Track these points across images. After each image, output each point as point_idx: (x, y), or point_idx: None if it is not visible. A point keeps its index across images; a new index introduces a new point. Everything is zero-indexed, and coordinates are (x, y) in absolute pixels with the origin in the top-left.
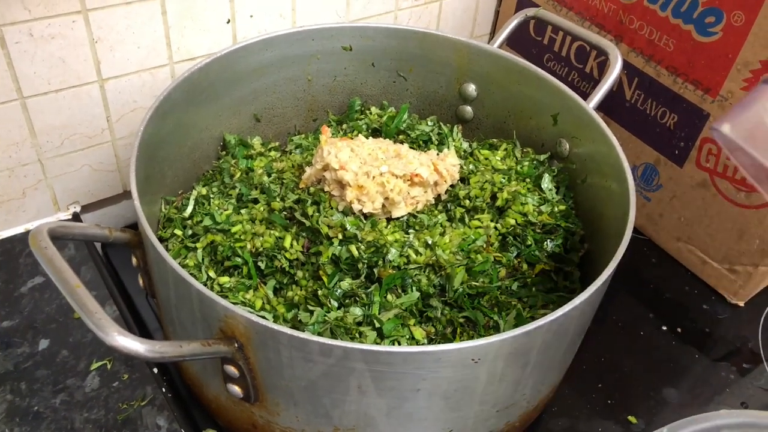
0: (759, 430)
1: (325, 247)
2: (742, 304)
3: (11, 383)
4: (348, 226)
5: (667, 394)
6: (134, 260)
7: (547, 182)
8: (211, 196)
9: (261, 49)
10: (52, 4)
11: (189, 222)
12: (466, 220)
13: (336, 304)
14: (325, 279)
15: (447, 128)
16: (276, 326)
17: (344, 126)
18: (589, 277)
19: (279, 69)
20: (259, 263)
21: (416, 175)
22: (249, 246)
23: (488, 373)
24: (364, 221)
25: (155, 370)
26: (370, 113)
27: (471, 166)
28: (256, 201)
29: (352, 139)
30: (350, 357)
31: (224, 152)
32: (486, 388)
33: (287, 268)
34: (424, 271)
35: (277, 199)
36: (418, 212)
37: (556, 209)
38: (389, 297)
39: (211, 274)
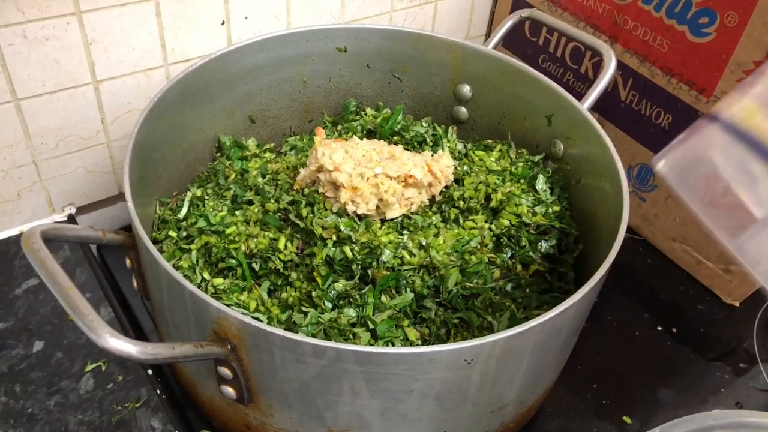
0: (752, 431)
1: (319, 249)
2: (737, 304)
3: (5, 385)
4: (342, 228)
5: (662, 394)
6: (128, 262)
7: (541, 183)
8: (206, 197)
9: (256, 50)
10: (45, 6)
11: (183, 223)
12: (461, 221)
13: (330, 306)
14: (319, 280)
15: (441, 129)
16: (268, 328)
17: (339, 127)
18: (583, 277)
19: (274, 70)
20: (254, 265)
21: (410, 176)
22: (243, 247)
23: (482, 374)
24: (359, 222)
25: (150, 372)
26: (365, 114)
27: (465, 167)
28: (250, 202)
29: (346, 140)
30: (343, 358)
31: (219, 153)
32: (480, 389)
33: (281, 270)
34: (418, 273)
35: (272, 201)
36: (412, 213)
37: (550, 210)
38: (383, 298)
39: (206, 275)
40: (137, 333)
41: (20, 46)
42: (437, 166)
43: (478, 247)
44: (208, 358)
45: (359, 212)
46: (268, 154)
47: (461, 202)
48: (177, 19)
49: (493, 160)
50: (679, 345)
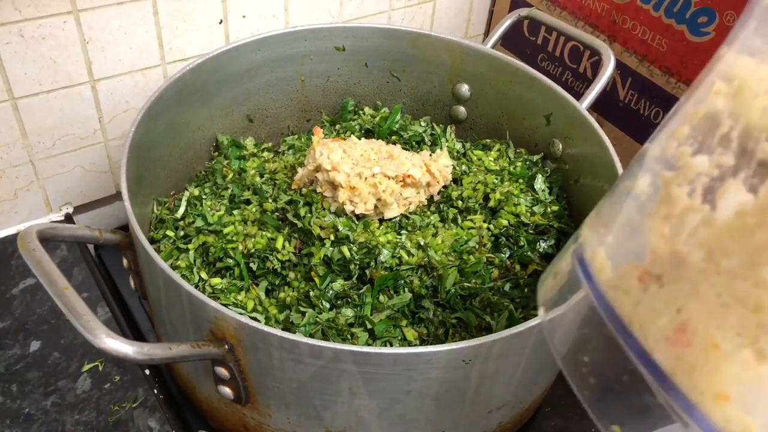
0: None
1: (317, 248)
2: None
3: (2, 385)
4: (340, 227)
5: None
6: (125, 262)
7: (540, 183)
8: (204, 197)
9: (254, 49)
10: (42, 5)
11: (181, 223)
12: (459, 220)
13: (328, 306)
14: (317, 280)
15: (440, 129)
16: (266, 328)
17: (337, 126)
18: None
19: (272, 69)
20: (251, 264)
21: (408, 176)
22: (241, 247)
23: (480, 374)
24: (356, 222)
25: (147, 372)
26: (364, 114)
27: (464, 167)
28: (248, 202)
29: (344, 139)
30: (340, 358)
31: (217, 153)
32: (478, 389)
33: (279, 270)
34: (417, 272)
35: (270, 200)
36: (410, 213)
37: (548, 210)
38: (381, 298)
39: (203, 275)
40: (134, 333)
41: (17, 44)
42: (435, 166)
43: (477, 246)
44: (205, 358)
45: (357, 212)
46: (266, 154)
47: (459, 202)
48: (174, 18)
49: (492, 159)
50: None
